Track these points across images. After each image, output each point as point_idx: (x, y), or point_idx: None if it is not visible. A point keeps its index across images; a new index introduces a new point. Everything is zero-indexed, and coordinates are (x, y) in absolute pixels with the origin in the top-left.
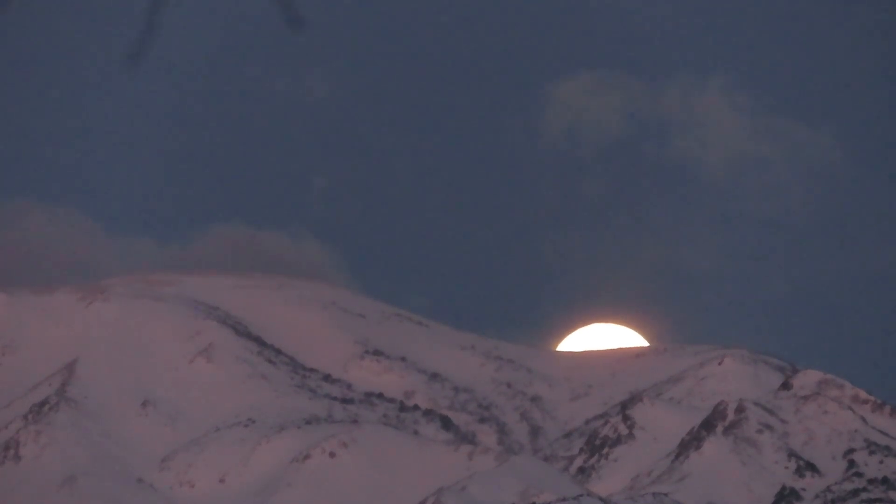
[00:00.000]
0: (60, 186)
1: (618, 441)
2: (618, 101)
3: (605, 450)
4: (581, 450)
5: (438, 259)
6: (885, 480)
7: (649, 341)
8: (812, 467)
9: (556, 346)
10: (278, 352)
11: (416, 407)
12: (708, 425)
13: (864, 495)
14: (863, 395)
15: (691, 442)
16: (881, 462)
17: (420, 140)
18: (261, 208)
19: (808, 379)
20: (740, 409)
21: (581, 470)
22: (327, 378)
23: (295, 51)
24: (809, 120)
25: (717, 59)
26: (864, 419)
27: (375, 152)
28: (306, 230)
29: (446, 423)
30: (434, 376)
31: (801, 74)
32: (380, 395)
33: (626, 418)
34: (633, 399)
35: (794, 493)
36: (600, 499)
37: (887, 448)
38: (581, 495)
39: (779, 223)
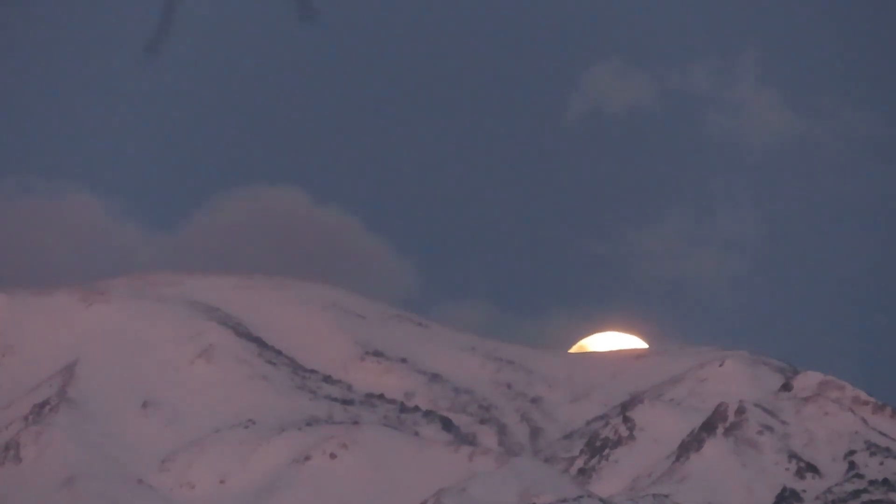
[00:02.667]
0: (69, 162)
1: (618, 442)
2: (645, 89)
3: (606, 451)
4: (581, 451)
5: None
6: (885, 482)
7: (650, 343)
8: (813, 469)
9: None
10: (278, 353)
11: (416, 408)
12: (708, 427)
13: (864, 497)
14: (863, 396)
15: (692, 443)
16: (882, 463)
17: (443, 129)
18: (282, 170)
19: (808, 380)
20: (741, 411)
21: (581, 471)
22: (328, 379)
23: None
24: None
25: (749, 37)
26: (864, 421)
27: (402, 127)
28: (331, 193)
29: (447, 425)
30: (434, 377)
31: (842, 49)
32: (380, 396)
33: (626, 420)
34: (634, 400)
35: (795, 495)
36: (600, 500)
37: (888, 449)
38: (581, 496)
39: (798, 214)
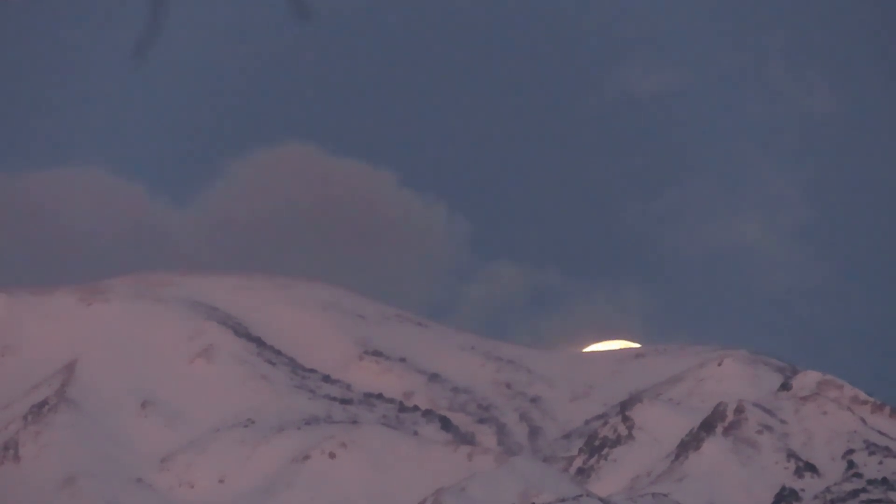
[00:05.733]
0: (83, 136)
1: (617, 442)
2: (678, 71)
3: (605, 450)
4: (580, 450)
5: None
6: (884, 481)
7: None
8: (811, 468)
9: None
10: (278, 352)
11: (415, 407)
12: (707, 426)
13: (863, 496)
14: (862, 395)
15: (691, 443)
16: (880, 463)
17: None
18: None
19: (807, 380)
20: (740, 410)
21: (580, 470)
22: (327, 378)
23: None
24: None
25: (780, 17)
26: (863, 420)
27: (454, 102)
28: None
29: (446, 424)
30: (433, 377)
31: (872, 27)
32: (379, 396)
33: (625, 419)
34: (633, 400)
35: (794, 494)
36: (600, 499)
37: (887, 449)
38: (580, 496)
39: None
